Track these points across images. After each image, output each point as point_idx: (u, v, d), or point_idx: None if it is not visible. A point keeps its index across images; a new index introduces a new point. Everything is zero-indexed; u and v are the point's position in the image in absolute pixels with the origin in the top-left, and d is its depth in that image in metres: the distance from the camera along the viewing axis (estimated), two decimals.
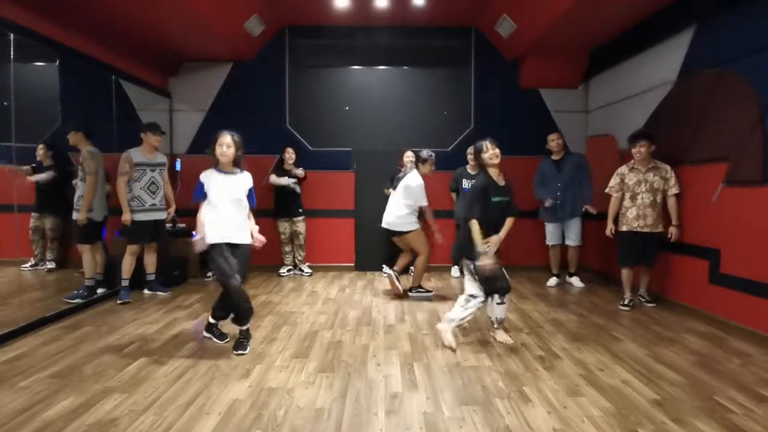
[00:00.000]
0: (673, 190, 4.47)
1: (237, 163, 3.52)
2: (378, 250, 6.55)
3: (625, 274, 4.75)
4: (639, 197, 4.57)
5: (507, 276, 3.68)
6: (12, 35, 3.82)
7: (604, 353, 3.42)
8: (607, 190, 4.83)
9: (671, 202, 4.50)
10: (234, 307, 3.45)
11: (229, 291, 3.36)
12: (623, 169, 4.72)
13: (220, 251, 3.35)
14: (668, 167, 4.51)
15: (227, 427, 2.37)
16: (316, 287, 5.63)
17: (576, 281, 5.73)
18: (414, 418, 2.48)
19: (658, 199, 4.51)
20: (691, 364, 3.23)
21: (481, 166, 3.73)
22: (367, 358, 3.34)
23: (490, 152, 3.64)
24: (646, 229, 4.55)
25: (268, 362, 3.23)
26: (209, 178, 3.44)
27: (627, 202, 4.67)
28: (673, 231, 4.50)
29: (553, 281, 5.81)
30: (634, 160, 4.63)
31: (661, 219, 4.54)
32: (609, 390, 2.80)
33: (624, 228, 4.69)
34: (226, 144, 3.42)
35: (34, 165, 4.89)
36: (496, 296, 3.66)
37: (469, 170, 5.97)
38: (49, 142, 4.99)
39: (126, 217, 4.72)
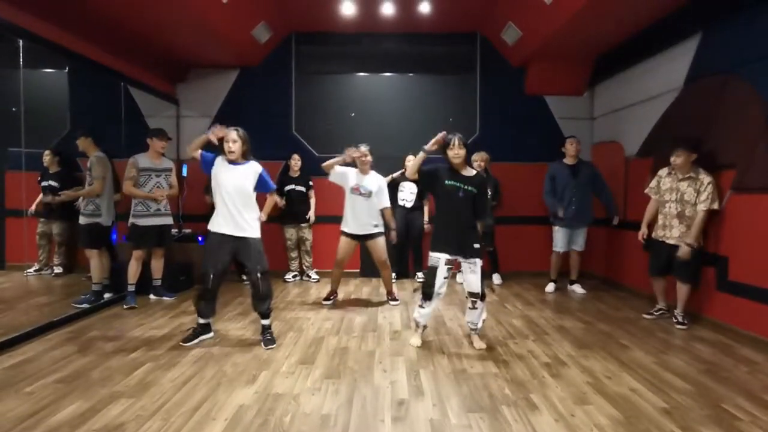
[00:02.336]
0: (702, 205, 4.08)
1: (245, 157, 3.69)
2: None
3: (654, 284, 4.59)
4: (666, 205, 4.36)
5: (433, 283, 3.63)
6: (21, 42, 3.86)
7: (612, 361, 3.40)
8: (646, 191, 4.64)
9: (698, 217, 4.13)
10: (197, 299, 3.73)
11: (202, 279, 3.64)
12: (663, 171, 4.46)
13: (214, 241, 3.64)
14: (707, 180, 4.09)
15: None
16: (321, 293, 5.61)
17: (578, 288, 5.70)
18: (420, 424, 2.47)
19: (688, 212, 4.19)
20: (698, 371, 3.21)
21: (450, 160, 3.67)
22: (373, 364, 3.34)
23: (456, 151, 3.60)
24: (671, 241, 4.31)
25: (274, 368, 3.23)
26: (219, 164, 3.65)
27: (659, 208, 4.47)
28: (682, 250, 4.19)
29: (551, 287, 5.77)
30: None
31: (699, 236, 4.20)
32: (617, 398, 2.78)
33: (653, 235, 4.53)
34: (232, 140, 3.59)
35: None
36: (468, 300, 3.68)
37: None
38: (56, 148, 5.03)
39: (157, 194, 4.82)
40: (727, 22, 4.20)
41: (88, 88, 5.39)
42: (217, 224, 3.64)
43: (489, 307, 4.94)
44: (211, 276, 3.60)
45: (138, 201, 4.80)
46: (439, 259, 3.63)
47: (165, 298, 5.13)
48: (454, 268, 3.75)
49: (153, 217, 4.85)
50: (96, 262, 4.74)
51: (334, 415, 2.57)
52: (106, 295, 4.88)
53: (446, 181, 3.62)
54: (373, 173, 4.98)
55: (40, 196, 4.90)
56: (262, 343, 3.69)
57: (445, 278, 3.64)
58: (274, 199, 3.99)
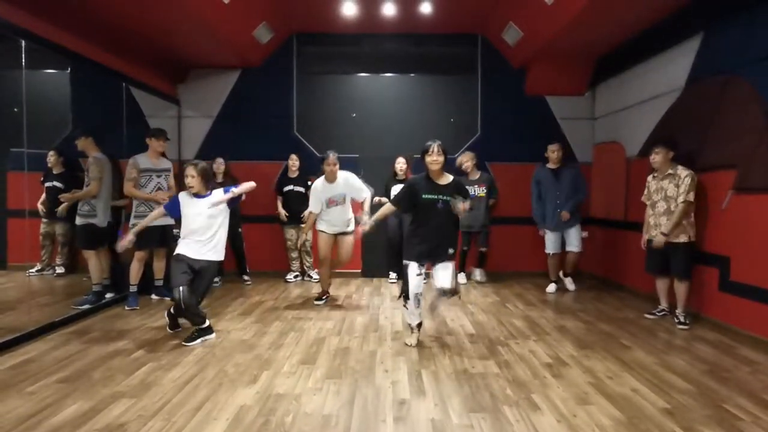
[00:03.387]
0: (681, 198, 4.22)
1: (207, 188, 3.91)
2: (385, 257, 6.55)
3: (657, 283, 4.64)
4: (657, 205, 4.46)
5: (407, 281, 3.67)
6: (24, 42, 3.87)
7: (613, 361, 3.40)
8: (642, 199, 4.72)
9: (677, 209, 4.23)
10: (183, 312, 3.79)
11: (173, 296, 3.70)
12: (649, 177, 4.62)
13: (180, 261, 3.75)
14: (684, 174, 4.24)
15: None
16: None
17: (569, 283, 5.74)
18: (422, 424, 2.47)
19: (673, 207, 4.28)
20: (700, 372, 3.21)
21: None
22: (374, 364, 3.34)
23: (434, 157, 3.61)
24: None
25: (275, 368, 3.23)
26: (183, 199, 3.89)
27: (650, 210, 4.58)
28: (656, 239, 4.33)
29: (552, 287, 5.78)
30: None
31: (685, 228, 4.25)
32: (618, 398, 2.78)
33: (647, 236, 4.60)
34: (191, 175, 3.81)
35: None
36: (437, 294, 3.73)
37: (468, 177, 6.02)
38: (60, 148, 5.03)
39: (159, 197, 4.80)
40: (729, 23, 4.19)
41: (89, 88, 5.40)
42: (182, 248, 3.82)
43: (491, 308, 4.96)
44: (180, 291, 3.63)
45: (140, 201, 4.80)
46: (408, 265, 3.67)
47: (167, 298, 5.12)
48: (427, 268, 3.76)
49: None
50: (94, 262, 4.74)
51: (335, 415, 2.57)
52: (108, 295, 4.88)
53: (423, 196, 3.58)
54: (338, 174, 4.86)
55: (43, 196, 4.91)
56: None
57: (418, 275, 3.64)
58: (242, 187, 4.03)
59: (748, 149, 3.90)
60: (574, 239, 5.69)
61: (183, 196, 3.90)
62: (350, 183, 4.89)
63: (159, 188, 4.90)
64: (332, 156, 4.78)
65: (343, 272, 6.60)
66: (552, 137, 6.23)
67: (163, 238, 4.98)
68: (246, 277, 6.17)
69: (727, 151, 4.15)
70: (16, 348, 3.57)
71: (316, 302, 5.09)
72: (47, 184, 4.92)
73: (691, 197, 4.20)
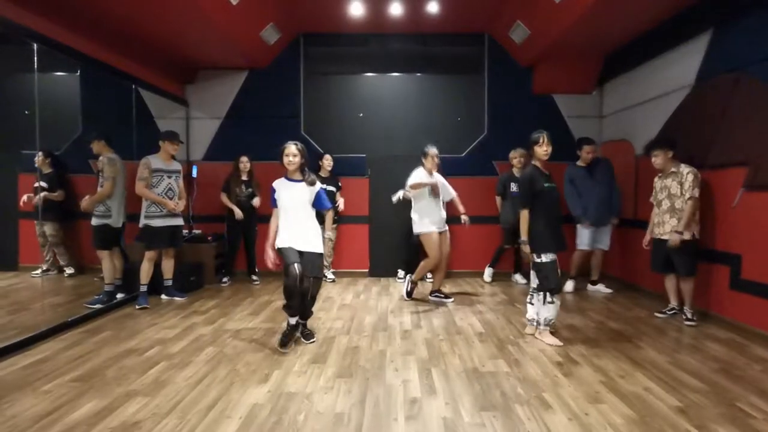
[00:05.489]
0: (687, 194, 4.24)
1: (302, 170, 3.80)
2: (392, 256, 6.56)
3: (665, 282, 4.63)
4: (662, 203, 4.49)
5: (558, 276, 3.77)
6: (36, 45, 3.90)
7: (624, 360, 3.39)
8: (650, 200, 4.72)
9: (686, 207, 4.24)
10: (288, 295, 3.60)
11: (287, 274, 3.54)
12: (656, 177, 4.64)
13: (285, 249, 3.64)
14: (686, 171, 4.28)
15: (248, 430, 2.39)
16: (331, 293, 5.64)
17: (603, 288, 5.66)
18: (434, 423, 2.48)
19: (677, 205, 4.34)
20: (712, 370, 3.20)
21: (530, 156, 3.92)
22: (384, 363, 3.35)
23: (545, 148, 3.84)
24: (665, 236, 4.41)
25: (286, 367, 3.25)
26: (280, 186, 3.77)
27: (656, 209, 4.60)
28: (672, 237, 4.30)
29: (570, 286, 5.72)
30: None
31: (689, 226, 4.26)
32: (630, 397, 2.78)
33: (651, 235, 4.64)
34: (292, 154, 3.73)
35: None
36: (547, 295, 3.78)
37: (515, 173, 5.99)
38: (48, 149, 5.00)
39: (171, 205, 4.87)
40: (738, 19, 4.16)
41: (99, 90, 5.44)
42: (284, 240, 3.68)
43: (499, 306, 4.96)
44: (297, 272, 3.52)
45: (150, 202, 4.83)
46: (554, 257, 3.76)
47: (176, 298, 5.17)
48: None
49: (165, 218, 4.88)
50: (107, 262, 4.78)
51: (347, 413, 2.59)
52: (119, 296, 4.92)
53: (545, 185, 3.76)
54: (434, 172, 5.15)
55: (33, 195, 4.92)
56: (301, 339, 3.84)
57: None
58: (331, 216, 4.21)
59: (759, 147, 3.87)
60: (605, 237, 5.66)
61: (278, 183, 3.77)
62: (442, 181, 5.15)
63: (170, 189, 4.93)
64: (435, 149, 5.04)
65: (350, 272, 6.64)
66: (560, 136, 6.18)
67: (173, 238, 5.01)
68: (254, 277, 6.20)
69: (737, 148, 4.13)
70: (30, 347, 3.61)
71: (448, 300, 5.18)
72: (35, 185, 4.93)
73: (696, 193, 4.23)
